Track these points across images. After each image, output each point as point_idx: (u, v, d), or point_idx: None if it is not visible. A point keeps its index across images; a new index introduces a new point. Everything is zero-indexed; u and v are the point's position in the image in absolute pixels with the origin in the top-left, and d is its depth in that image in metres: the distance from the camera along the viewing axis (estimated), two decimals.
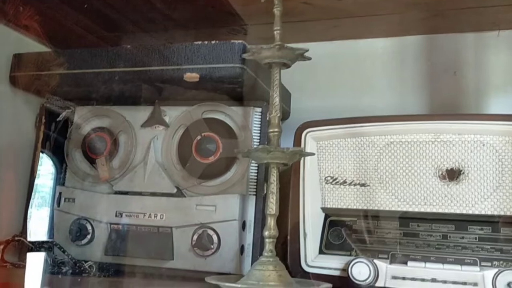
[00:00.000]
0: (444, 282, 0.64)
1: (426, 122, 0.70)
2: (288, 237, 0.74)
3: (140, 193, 0.79)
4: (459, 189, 0.69)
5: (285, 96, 0.92)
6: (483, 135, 0.68)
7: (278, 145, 0.66)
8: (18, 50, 0.85)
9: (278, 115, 0.67)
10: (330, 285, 0.65)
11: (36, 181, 0.87)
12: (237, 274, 0.73)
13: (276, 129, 0.67)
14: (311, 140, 0.76)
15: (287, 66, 0.69)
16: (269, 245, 0.65)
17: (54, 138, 0.89)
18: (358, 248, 0.71)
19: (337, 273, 0.70)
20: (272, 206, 0.65)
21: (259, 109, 0.80)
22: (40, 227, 0.88)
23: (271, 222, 0.65)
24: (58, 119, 0.87)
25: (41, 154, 0.88)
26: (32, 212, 0.84)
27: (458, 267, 0.65)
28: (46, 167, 0.92)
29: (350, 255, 0.71)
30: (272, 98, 0.68)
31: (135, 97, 0.83)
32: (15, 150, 0.87)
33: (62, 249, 0.76)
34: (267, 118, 0.79)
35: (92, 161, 0.83)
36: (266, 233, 0.65)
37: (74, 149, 0.85)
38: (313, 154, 0.72)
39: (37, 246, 0.80)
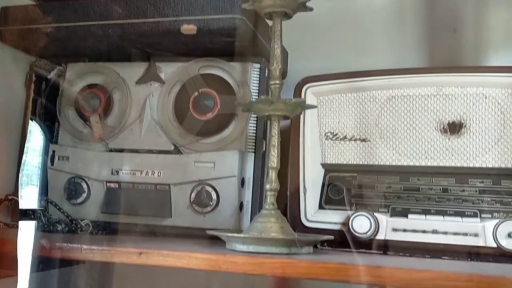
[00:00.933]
0: (445, 233, 0.65)
1: (428, 75, 0.70)
2: (288, 193, 0.73)
3: (136, 151, 0.78)
4: (460, 142, 0.68)
5: (283, 55, 0.90)
6: (486, 87, 0.67)
7: (280, 97, 0.65)
8: (5, 3, 0.81)
9: (279, 67, 0.65)
10: (332, 237, 0.65)
11: (27, 143, 0.85)
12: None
13: (277, 81, 0.65)
14: (311, 95, 0.74)
15: (288, 16, 0.67)
16: (270, 198, 0.64)
17: (45, 100, 0.86)
18: (358, 203, 0.71)
19: (337, 227, 0.70)
20: (274, 159, 0.65)
21: (258, 65, 0.78)
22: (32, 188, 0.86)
23: (272, 175, 0.65)
24: (49, 77, 0.84)
25: (30, 121, 0.86)
26: (24, 172, 0.82)
27: (458, 219, 0.65)
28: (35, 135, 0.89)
29: (350, 210, 0.71)
30: (273, 50, 0.66)
31: (129, 53, 0.80)
32: (5, 111, 0.84)
33: (57, 207, 0.74)
34: (266, 75, 0.78)
35: (85, 119, 0.81)
36: (267, 186, 0.65)
37: (66, 106, 0.83)
38: (315, 106, 0.71)
39: (28, 214, 0.78)
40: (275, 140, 0.65)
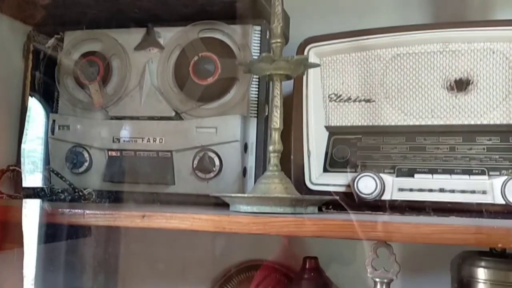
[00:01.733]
0: (452, 191, 0.64)
1: (433, 31, 0.67)
2: (292, 157, 0.72)
3: (137, 118, 0.76)
4: (468, 99, 0.67)
5: (284, 19, 0.88)
6: (493, 42, 0.65)
7: (281, 55, 0.63)
8: None
9: (281, 24, 0.64)
10: (337, 197, 0.64)
11: (28, 113, 0.84)
12: None
13: (278, 40, 0.64)
14: (314, 56, 0.73)
15: None
16: (274, 159, 0.63)
17: (43, 71, 0.85)
18: (363, 165, 0.70)
19: (342, 189, 0.69)
20: (276, 120, 0.63)
21: (258, 28, 0.76)
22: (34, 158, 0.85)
23: (275, 136, 0.63)
24: (46, 45, 0.83)
25: (30, 97, 0.84)
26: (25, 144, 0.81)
27: (466, 177, 0.64)
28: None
29: (355, 172, 0.70)
30: (273, 7, 0.64)
31: (127, 19, 0.78)
32: (5, 82, 0.83)
33: (59, 175, 0.74)
34: (267, 37, 0.76)
35: (85, 88, 0.80)
36: (270, 148, 0.64)
37: (65, 76, 0.81)
38: (318, 65, 0.69)
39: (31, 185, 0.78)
40: (277, 100, 0.64)
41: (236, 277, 0.94)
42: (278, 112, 0.63)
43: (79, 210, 0.61)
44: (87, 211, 0.61)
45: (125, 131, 0.76)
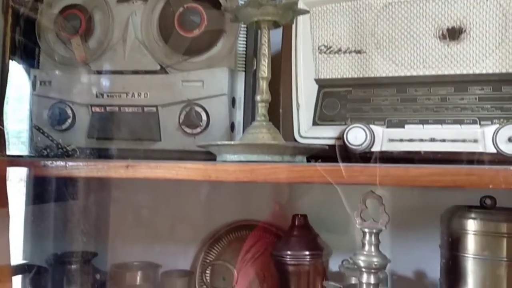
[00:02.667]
0: (443, 140, 0.63)
1: None
2: (281, 110, 0.70)
3: (121, 72, 0.74)
4: (460, 48, 0.65)
5: None
6: None
7: (269, 0, 0.61)
8: None
9: None
10: (326, 146, 0.63)
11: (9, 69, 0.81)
12: None
13: None
14: (303, 6, 0.70)
15: None
16: (261, 109, 0.62)
17: (23, 26, 0.82)
18: (353, 118, 0.69)
19: (331, 142, 0.67)
20: (264, 69, 0.62)
21: None
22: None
23: (263, 85, 0.62)
24: None
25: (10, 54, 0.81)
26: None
27: (457, 126, 0.63)
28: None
29: (345, 124, 0.68)
30: None
31: None
32: None
33: (40, 130, 0.71)
34: None
35: (66, 42, 0.77)
36: (258, 97, 0.62)
37: (46, 30, 0.78)
38: (307, 11, 0.67)
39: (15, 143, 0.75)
40: (265, 49, 0.62)
41: (225, 237, 0.94)
42: (266, 61, 0.61)
43: (61, 162, 0.60)
44: (70, 163, 0.59)
45: (109, 86, 0.73)
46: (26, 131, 0.82)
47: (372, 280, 0.62)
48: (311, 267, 0.79)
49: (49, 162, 0.60)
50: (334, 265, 0.83)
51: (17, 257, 0.92)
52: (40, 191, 0.85)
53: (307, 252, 0.79)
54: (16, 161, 0.69)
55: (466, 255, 0.69)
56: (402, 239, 0.85)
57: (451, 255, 0.70)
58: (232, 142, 0.57)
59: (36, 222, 0.93)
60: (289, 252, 0.80)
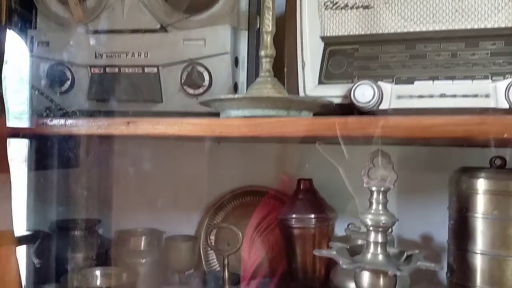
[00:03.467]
0: (454, 96, 0.60)
1: None
2: (285, 69, 0.68)
3: (120, 31, 0.72)
4: (471, 2, 0.62)
5: None
6: None
7: None
8: None
9: None
10: (333, 102, 0.61)
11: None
12: None
13: None
14: None
15: None
16: (266, 64, 0.60)
17: None
18: (360, 76, 0.66)
19: (338, 100, 0.65)
20: (268, 23, 0.59)
21: None
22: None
23: (267, 40, 0.60)
24: None
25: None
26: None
27: (468, 81, 0.61)
28: None
29: (352, 83, 0.66)
30: None
31: None
32: None
33: (38, 91, 0.70)
34: None
35: (63, 2, 0.74)
36: (262, 52, 0.60)
37: None
38: None
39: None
40: (269, 1, 0.59)
41: (230, 203, 0.93)
42: (270, 13, 0.59)
43: (61, 120, 0.58)
44: (69, 120, 0.58)
45: (108, 46, 0.71)
46: (26, 100, 0.81)
47: (379, 239, 0.61)
48: (317, 230, 0.78)
49: (48, 120, 0.58)
50: (340, 230, 0.82)
51: (20, 224, 0.91)
52: (42, 157, 0.85)
53: (312, 215, 0.78)
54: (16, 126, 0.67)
55: (475, 215, 0.67)
56: (409, 203, 0.84)
57: (460, 216, 0.69)
58: (236, 96, 0.55)
59: (38, 189, 0.92)
60: (294, 216, 0.79)
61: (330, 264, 0.82)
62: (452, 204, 0.72)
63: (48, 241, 0.87)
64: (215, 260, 0.94)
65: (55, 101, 0.70)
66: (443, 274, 0.82)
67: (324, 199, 0.81)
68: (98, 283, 0.82)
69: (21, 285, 0.76)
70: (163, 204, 0.97)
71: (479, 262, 0.67)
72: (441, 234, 0.77)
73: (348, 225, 0.79)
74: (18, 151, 0.89)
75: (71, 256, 0.88)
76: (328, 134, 0.49)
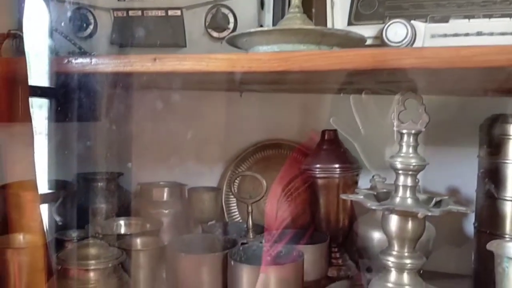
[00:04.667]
0: (491, 34, 0.58)
1: None
2: (313, 9, 0.66)
3: None
4: None
5: None
6: None
7: None
8: None
9: None
10: (365, 37, 0.59)
11: None
12: None
13: None
14: None
15: None
16: (295, 0, 0.57)
17: None
18: (391, 16, 0.64)
19: (368, 42, 0.63)
20: None
21: None
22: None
23: None
24: None
25: None
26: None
27: (506, 19, 0.58)
28: None
29: (383, 23, 0.64)
30: None
31: None
32: None
33: (64, 35, 0.69)
34: None
35: None
36: None
37: None
38: None
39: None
40: None
41: (252, 156, 0.92)
42: None
43: (86, 58, 0.57)
44: (95, 59, 0.57)
45: None
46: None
47: (409, 183, 0.60)
48: (341, 180, 0.78)
49: (73, 58, 0.57)
50: (364, 183, 0.81)
51: (43, 176, 0.92)
52: (64, 109, 0.84)
53: (336, 165, 0.77)
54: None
55: (507, 161, 0.66)
56: (436, 155, 0.82)
57: (491, 163, 0.68)
58: (266, 28, 0.53)
59: (61, 143, 0.92)
60: (318, 165, 0.78)
61: (353, 215, 0.81)
62: (482, 151, 0.70)
63: (71, 197, 0.88)
64: (237, 212, 0.94)
65: (79, 44, 0.69)
66: (469, 226, 0.81)
67: (348, 150, 0.80)
68: (122, 231, 0.83)
69: (44, 231, 0.78)
70: (184, 157, 0.97)
71: (509, 209, 0.66)
72: (469, 185, 0.76)
73: (373, 176, 0.78)
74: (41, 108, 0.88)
75: (94, 207, 0.89)
76: (363, 67, 0.47)
